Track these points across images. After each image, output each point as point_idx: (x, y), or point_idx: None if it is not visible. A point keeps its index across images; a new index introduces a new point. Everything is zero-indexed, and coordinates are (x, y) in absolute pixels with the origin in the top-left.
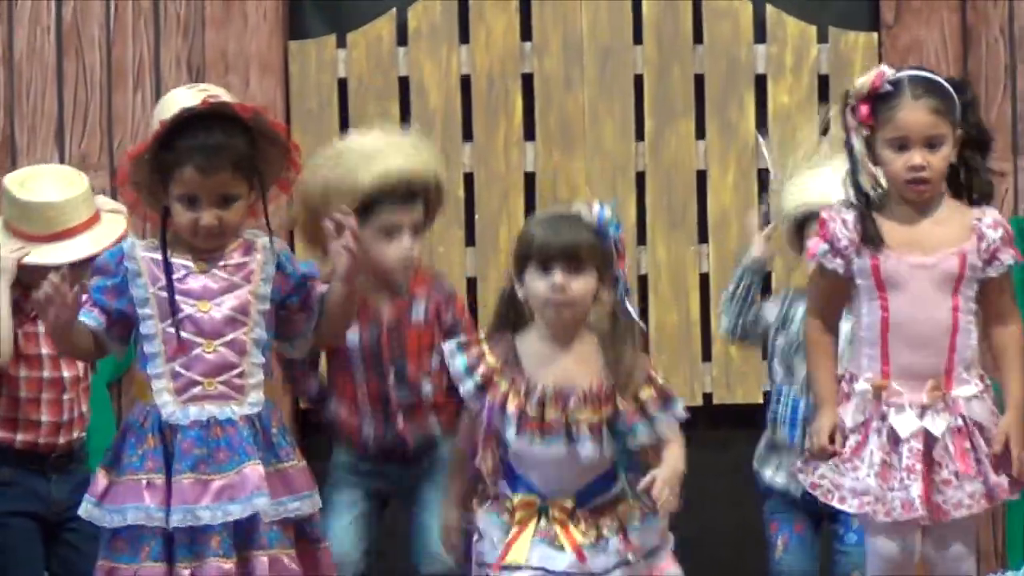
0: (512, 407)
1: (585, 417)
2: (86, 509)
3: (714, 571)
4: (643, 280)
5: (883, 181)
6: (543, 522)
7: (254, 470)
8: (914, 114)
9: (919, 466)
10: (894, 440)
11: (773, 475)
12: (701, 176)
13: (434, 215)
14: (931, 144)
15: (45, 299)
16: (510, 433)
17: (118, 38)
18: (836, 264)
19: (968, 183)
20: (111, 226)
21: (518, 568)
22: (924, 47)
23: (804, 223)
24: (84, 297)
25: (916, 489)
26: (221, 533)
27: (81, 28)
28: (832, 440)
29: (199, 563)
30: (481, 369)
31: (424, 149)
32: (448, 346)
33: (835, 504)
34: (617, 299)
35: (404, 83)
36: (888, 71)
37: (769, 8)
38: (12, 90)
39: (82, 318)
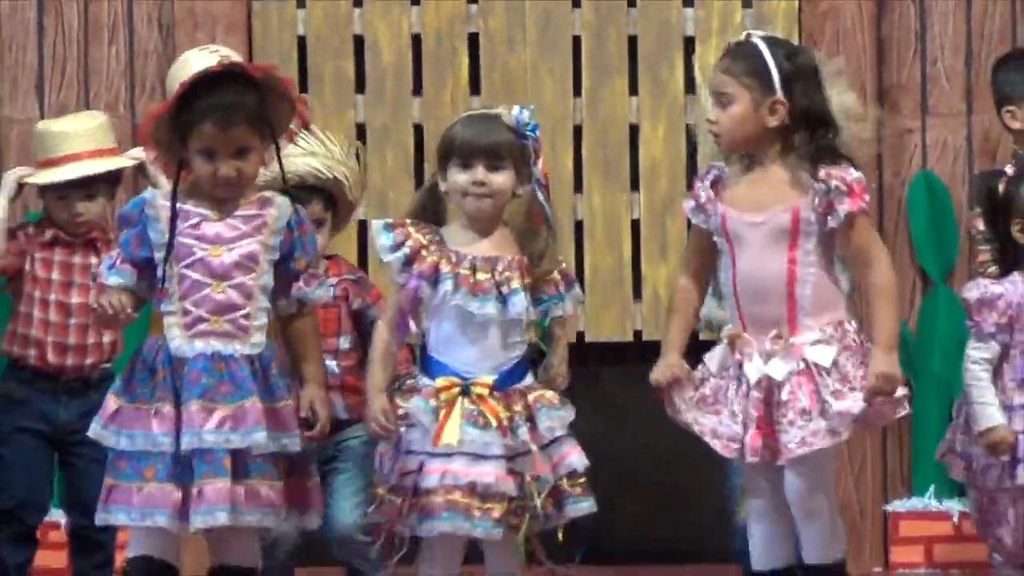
0: (446, 269)
1: (514, 279)
2: (94, 430)
3: (645, 489)
4: (579, 225)
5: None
6: (467, 403)
7: (254, 405)
8: (714, 72)
9: (755, 414)
10: (748, 389)
11: None
12: (634, 130)
13: (344, 210)
14: (720, 101)
15: (102, 316)
16: (445, 288)
17: None
18: (700, 219)
19: (812, 149)
20: (115, 161)
21: (450, 455)
22: (840, 13)
23: None
24: (114, 253)
25: (750, 433)
26: (221, 458)
27: None
28: (674, 382)
29: (200, 483)
30: (409, 243)
31: (323, 151)
32: (375, 224)
33: (708, 440)
34: (531, 192)
35: (359, 41)
36: (743, 36)
37: None
38: None
39: (112, 279)
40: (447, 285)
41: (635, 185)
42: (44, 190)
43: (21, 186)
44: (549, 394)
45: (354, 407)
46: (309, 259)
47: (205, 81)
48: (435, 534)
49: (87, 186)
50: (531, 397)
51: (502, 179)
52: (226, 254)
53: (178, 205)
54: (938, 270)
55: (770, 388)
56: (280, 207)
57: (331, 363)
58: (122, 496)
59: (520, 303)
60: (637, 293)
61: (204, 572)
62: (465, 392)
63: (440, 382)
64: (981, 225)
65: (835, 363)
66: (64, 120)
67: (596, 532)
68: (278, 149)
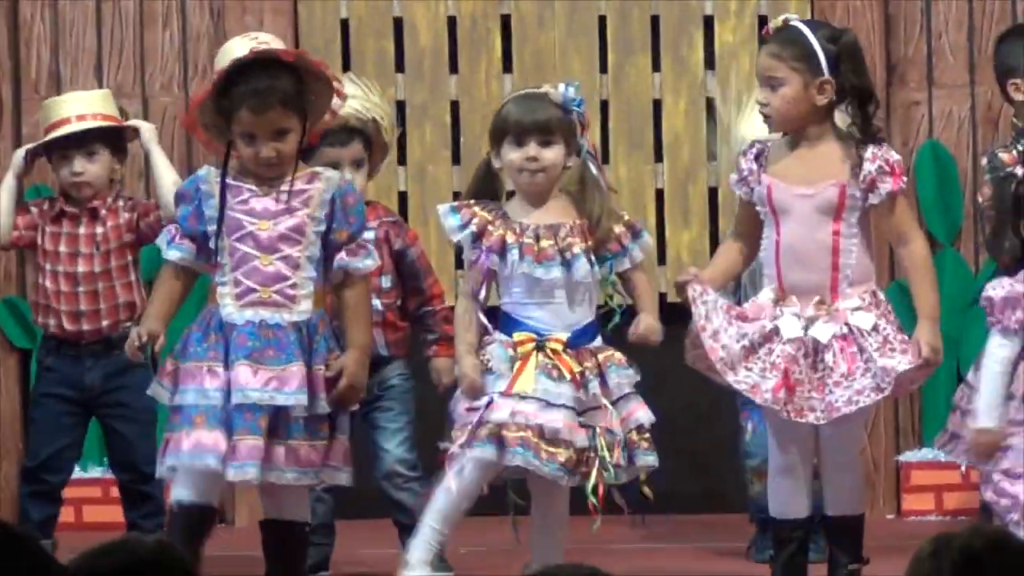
0: (511, 240)
1: (576, 244)
2: (153, 389)
3: (675, 451)
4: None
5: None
6: (542, 356)
7: (300, 370)
8: (760, 58)
9: (783, 366)
10: (775, 339)
11: None
12: (656, 104)
13: (378, 153)
14: (771, 85)
15: (128, 346)
16: (512, 258)
17: None
18: (743, 191)
19: (856, 128)
20: (110, 121)
21: (524, 397)
22: None
23: None
24: (172, 229)
25: (771, 382)
26: (258, 417)
27: None
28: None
29: (236, 439)
30: (475, 220)
31: (362, 94)
32: (441, 208)
33: (755, 399)
34: (583, 162)
35: (398, 24)
36: (779, 22)
37: None
38: (57, 30)
39: (172, 252)
40: (514, 255)
41: (658, 156)
42: (51, 158)
43: (32, 162)
44: (618, 354)
45: (394, 343)
46: (352, 230)
47: (241, 68)
48: (509, 462)
49: (86, 145)
50: (601, 356)
51: (553, 153)
52: (273, 227)
53: (228, 181)
54: (945, 233)
55: (809, 351)
56: (327, 180)
57: (375, 301)
58: (174, 445)
59: (583, 267)
60: (662, 258)
61: (256, 523)
62: (540, 347)
63: (517, 336)
64: (987, 190)
65: (875, 327)
66: (68, 93)
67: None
68: (305, 129)
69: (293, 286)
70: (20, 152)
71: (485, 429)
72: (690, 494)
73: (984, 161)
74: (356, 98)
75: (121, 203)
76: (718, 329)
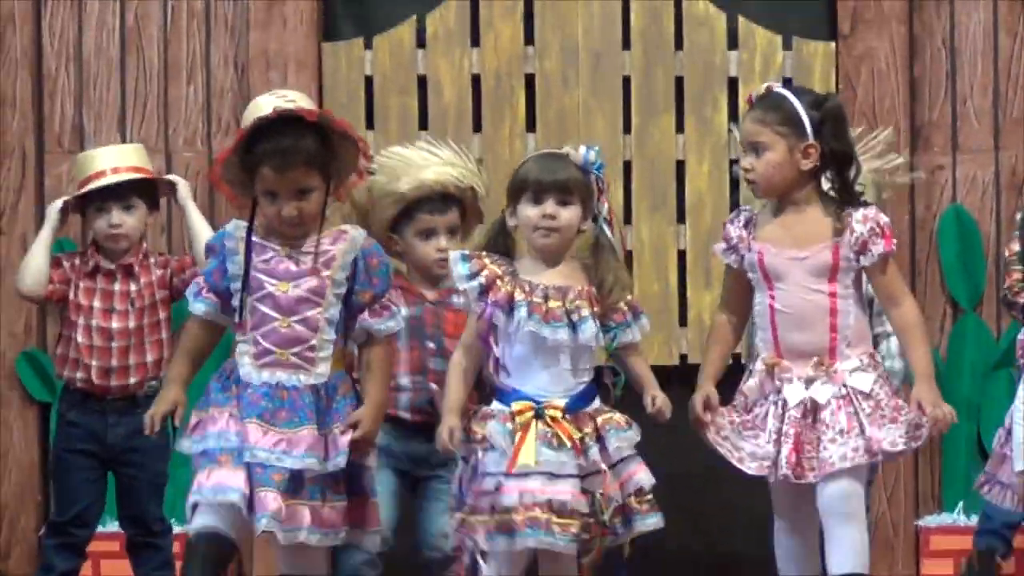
0: (520, 297)
1: (584, 307)
2: (181, 444)
3: (686, 513)
4: (629, 255)
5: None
6: (541, 425)
7: (310, 433)
8: (745, 123)
9: (793, 432)
10: (784, 410)
11: None
12: (680, 165)
13: (472, 220)
14: (755, 149)
15: (148, 424)
16: (520, 315)
17: (173, 37)
18: (732, 259)
19: (837, 191)
20: (145, 172)
21: (528, 474)
22: (875, 55)
23: None
24: (199, 281)
25: (785, 450)
26: (283, 474)
27: (142, 28)
28: (707, 409)
29: (258, 490)
30: (485, 272)
31: (460, 162)
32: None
33: (735, 464)
34: (598, 226)
35: (422, 81)
36: (762, 89)
37: (741, 19)
38: (81, 83)
39: (197, 305)
40: (522, 312)
41: (681, 217)
42: (86, 211)
43: (65, 214)
44: (617, 416)
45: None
46: (376, 291)
47: (266, 126)
48: (515, 549)
49: (123, 198)
50: (600, 420)
51: (570, 214)
52: (293, 289)
53: (254, 239)
54: (967, 298)
55: (808, 411)
56: (351, 241)
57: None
58: (197, 484)
59: (589, 330)
60: (683, 320)
61: None
62: (539, 415)
63: (515, 406)
64: (1016, 247)
65: (871, 391)
66: (102, 147)
67: (643, 547)
68: (328, 189)
69: (312, 348)
70: (57, 204)
71: (494, 520)
72: (699, 552)
73: (1019, 216)
74: (455, 165)
75: (153, 260)
76: (742, 448)
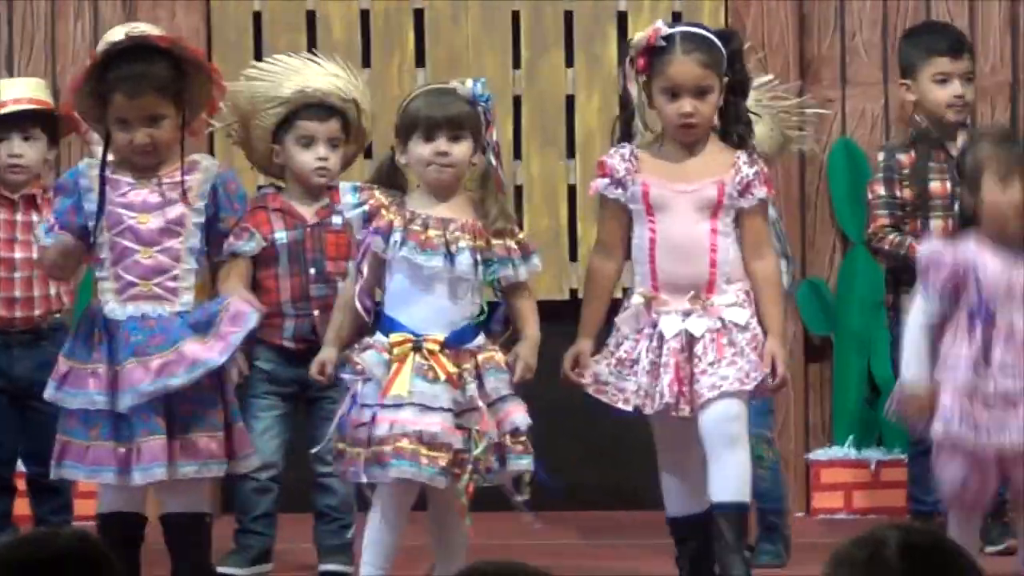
0: (398, 223)
1: (463, 239)
2: (49, 392)
3: (568, 440)
4: (519, 190)
5: (658, 123)
6: (418, 358)
7: (191, 346)
8: (684, 67)
9: (673, 361)
10: (661, 343)
11: None
12: (570, 100)
13: (355, 139)
14: (700, 92)
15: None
16: (395, 239)
17: None
18: (617, 194)
19: (727, 125)
20: (44, 106)
21: (400, 406)
22: None
23: None
24: (49, 219)
25: (665, 380)
26: (155, 417)
27: None
28: (575, 367)
29: (139, 441)
30: (371, 202)
31: (345, 75)
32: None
33: (620, 406)
34: (487, 160)
35: (311, 17)
36: (663, 28)
37: None
38: None
39: (46, 241)
40: (396, 237)
41: (571, 152)
42: None
43: None
44: (498, 355)
45: None
46: (237, 216)
47: (118, 55)
48: (387, 480)
49: (23, 128)
50: (481, 357)
51: (462, 149)
52: (153, 220)
53: (108, 174)
54: (856, 231)
55: (685, 343)
56: (206, 170)
57: (342, 286)
58: (73, 453)
59: (466, 261)
60: (573, 255)
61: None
62: (417, 348)
63: (393, 338)
64: (880, 190)
65: (747, 324)
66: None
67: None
68: (184, 117)
69: (174, 278)
70: None
71: (371, 452)
72: (592, 486)
73: (880, 156)
74: (340, 77)
75: (52, 194)
76: (626, 388)
